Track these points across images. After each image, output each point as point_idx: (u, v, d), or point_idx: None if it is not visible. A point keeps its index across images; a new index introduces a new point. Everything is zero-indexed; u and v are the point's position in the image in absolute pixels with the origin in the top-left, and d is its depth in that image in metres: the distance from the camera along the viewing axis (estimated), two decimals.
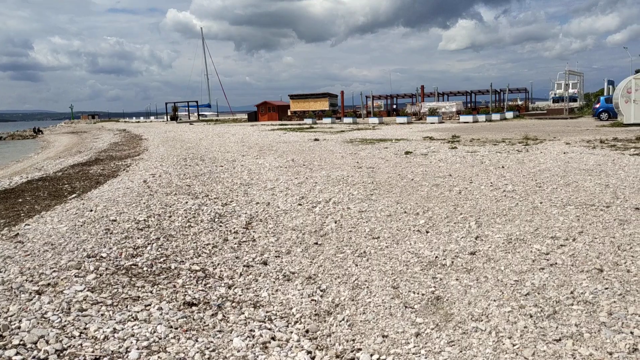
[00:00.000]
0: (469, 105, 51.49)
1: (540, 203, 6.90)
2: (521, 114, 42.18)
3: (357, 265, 4.77)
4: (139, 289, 4.03)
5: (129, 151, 19.30)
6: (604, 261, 4.47)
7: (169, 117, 64.51)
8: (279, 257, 5.15)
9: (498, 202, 7.07)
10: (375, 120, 40.77)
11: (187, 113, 69.40)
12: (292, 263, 4.94)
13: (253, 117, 60.74)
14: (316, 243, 5.56)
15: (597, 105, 31.71)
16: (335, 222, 6.38)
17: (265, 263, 4.94)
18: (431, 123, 35.55)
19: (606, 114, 29.85)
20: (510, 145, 15.42)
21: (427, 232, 5.75)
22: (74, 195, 8.66)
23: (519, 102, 52.32)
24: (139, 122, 78.08)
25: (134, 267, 4.55)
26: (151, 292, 4.01)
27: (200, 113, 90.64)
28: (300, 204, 7.55)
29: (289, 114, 57.97)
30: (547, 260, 4.60)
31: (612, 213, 6.16)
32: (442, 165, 11.17)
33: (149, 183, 9.43)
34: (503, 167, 10.47)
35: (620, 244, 4.94)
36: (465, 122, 34.25)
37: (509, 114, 38.80)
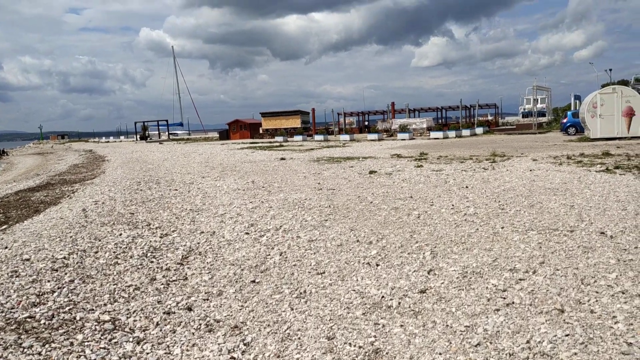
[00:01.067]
0: (440, 121, 51.68)
1: (502, 228, 6.45)
2: (491, 129, 42.41)
3: (292, 309, 4.21)
4: (25, 350, 3.39)
5: (86, 174, 18.46)
6: (566, 299, 4.00)
7: (138, 136, 63.26)
8: (207, 299, 4.56)
9: (457, 228, 6.61)
10: (346, 137, 40.52)
11: (157, 132, 68.24)
12: (220, 308, 4.35)
13: (225, 135, 60.01)
14: (253, 281, 4.98)
15: (565, 120, 31.98)
16: (281, 254, 5.82)
17: (189, 309, 4.35)
18: (402, 140, 35.38)
19: (573, 129, 30.08)
20: (477, 162, 15.11)
21: (378, 265, 5.23)
22: (3, 227, 7.93)
23: (489, 118, 52.75)
24: (108, 142, 76.52)
25: (29, 320, 3.91)
26: (39, 353, 3.38)
27: (171, 132, 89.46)
28: (247, 233, 6.98)
29: (261, 131, 57.43)
30: (504, 298, 4.11)
31: (576, 239, 5.74)
32: (405, 185, 10.72)
33: (88, 212, 8.73)
34: (467, 187, 10.07)
35: (584, 276, 4.49)
36: (435, 139, 34.18)
37: (479, 130, 38.93)
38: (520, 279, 4.53)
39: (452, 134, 35.79)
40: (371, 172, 13.48)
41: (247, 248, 6.21)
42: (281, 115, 56.61)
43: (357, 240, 6.25)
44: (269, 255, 5.84)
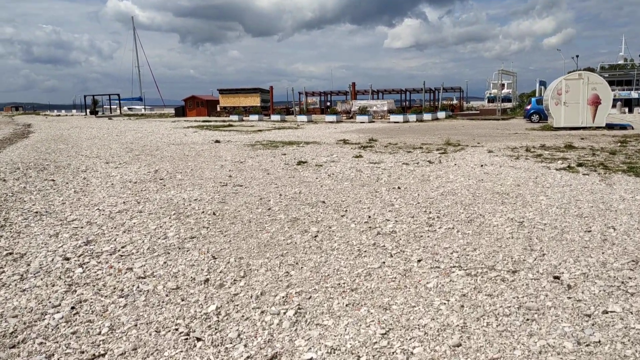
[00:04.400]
0: (404, 103, 50.00)
1: (419, 262, 4.54)
2: (454, 113, 40.90)
3: None
4: None
5: None
6: None
7: (88, 111, 59.61)
8: None
9: (358, 259, 4.67)
10: (304, 118, 38.42)
11: (109, 107, 64.47)
12: None
13: (180, 112, 57.11)
14: None
15: (529, 107, 30.60)
16: (71, 309, 3.76)
17: None
18: (360, 122, 33.54)
19: (537, 116, 28.73)
20: (426, 152, 13.28)
21: (199, 339, 3.23)
22: None
23: (454, 102, 51.32)
24: (59, 115, 72.55)
25: None
26: None
27: (130, 107, 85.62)
28: (67, 259, 4.90)
29: (219, 109, 54.74)
30: None
31: (518, 289, 3.86)
32: (327, 183, 8.76)
33: None
34: (399, 187, 8.16)
35: None
36: (395, 122, 32.42)
37: (442, 114, 37.33)
38: None
39: (412, 117, 34.08)
40: (300, 163, 11.48)
41: (37, 290, 4.14)
42: (240, 93, 54.03)
43: (206, 280, 4.25)
44: (46, 313, 3.75)
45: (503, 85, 54.42)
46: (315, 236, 5.44)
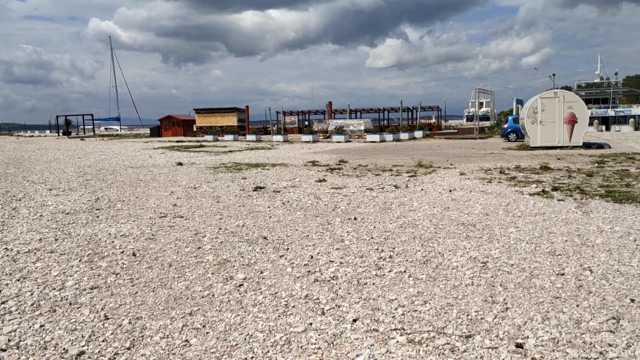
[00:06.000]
0: (383, 122, 49.58)
1: (354, 322, 3.68)
2: (432, 133, 40.47)
3: None
4: None
5: None
6: None
7: (61, 132, 58.15)
8: None
9: (281, 318, 3.79)
10: (280, 137, 37.69)
11: (85, 127, 63.10)
12: None
13: (156, 132, 56.02)
14: None
15: (506, 126, 30.26)
16: None
17: None
18: (337, 142, 32.87)
19: (514, 135, 28.36)
20: (395, 175, 12.52)
21: None
22: None
23: (432, 121, 51.05)
24: (32, 136, 70.92)
25: None
26: None
27: (107, 127, 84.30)
28: None
29: (195, 129, 53.82)
30: None
31: None
32: (277, 213, 7.90)
33: None
34: (355, 218, 7.34)
35: None
36: (372, 142, 31.80)
37: (419, 133, 36.85)
38: None
39: (389, 137, 33.50)
40: (257, 189, 10.62)
41: None
42: (216, 113, 53.27)
43: (80, 354, 3.34)
44: None
45: (481, 104, 54.48)
46: (240, 285, 4.56)
